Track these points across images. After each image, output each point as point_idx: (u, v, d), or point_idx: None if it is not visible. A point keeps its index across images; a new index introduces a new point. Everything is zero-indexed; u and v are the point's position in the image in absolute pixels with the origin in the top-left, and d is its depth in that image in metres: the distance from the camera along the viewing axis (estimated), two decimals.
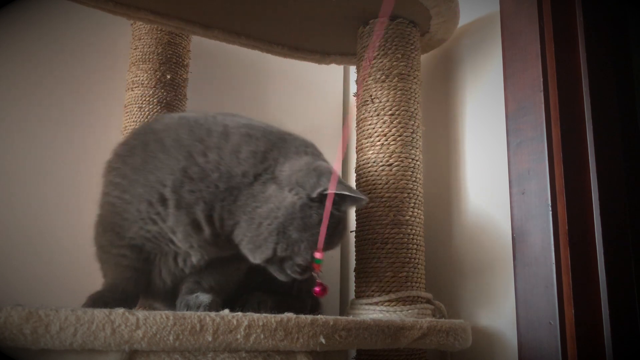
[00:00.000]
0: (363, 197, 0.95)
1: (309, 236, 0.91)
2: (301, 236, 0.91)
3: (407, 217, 1.15)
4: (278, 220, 0.90)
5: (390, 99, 1.21)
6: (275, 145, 0.96)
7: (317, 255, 0.92)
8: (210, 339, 0.72)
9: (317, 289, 0.97)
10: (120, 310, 0.69)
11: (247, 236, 0.93)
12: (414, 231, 1.16)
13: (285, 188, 0.92)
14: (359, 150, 1.25)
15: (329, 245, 0.94)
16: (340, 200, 0.94)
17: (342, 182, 0.93)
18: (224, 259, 1.03)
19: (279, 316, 0.79)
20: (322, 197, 0.91)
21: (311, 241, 0.91)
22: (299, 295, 1.14)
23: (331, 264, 1.65)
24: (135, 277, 0.99)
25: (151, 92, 1.40)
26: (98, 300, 0.93)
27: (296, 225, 0.91)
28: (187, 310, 0.92)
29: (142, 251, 0.99)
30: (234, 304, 0.96)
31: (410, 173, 1.18)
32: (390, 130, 1.20)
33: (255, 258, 0.94)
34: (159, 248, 0.99)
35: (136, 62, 1.43)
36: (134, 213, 0.95)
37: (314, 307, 1.17)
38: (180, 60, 1.46)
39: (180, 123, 0.98)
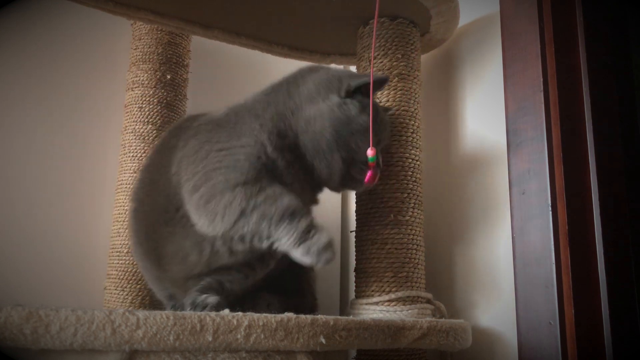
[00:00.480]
0: (384, 76, 1.05)
1: (358, 132, 0.98)
2: (353, 134, 0.97)
3: (407, 217, 1.15)
4: (328, 131, 0.98)
5: (390, 99, 1.21)
6: (292, 78, 1.09)
7: (369, 152, 0.97)
8: (210, 339, 0.72)
9: (369, 174, 1.00)
10: (120, 311, 0.69)
11: (321, 163, 1.00)
12: (414, 231, 1.16)
13: (319, 100, 1.00)
14: None
15: (381, 138, 1.04)
16: (367, 93, 1.00)
17: (361, 75, 1.04)
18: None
19: (279, 316, 0.79)
20: (352, 93, 1.00)
21: (364, 136, 0.98)
22: (302, 295, 1.14)
23: (331, 264, 1.65)
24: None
25: (151, 92, 1.40)
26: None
27: (344, 127, 0.97)
28: (192, 309, 0.92)
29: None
30: (242, 305, 0.93)
31: (411, 173, 1.18)
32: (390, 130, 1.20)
33: (333, 179, 1.01)
34: None
35: (136, 62, 1.43)
36: None
37: (313, 308, 1.17)
38: (180, 60, 1.46)
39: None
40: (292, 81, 1.08)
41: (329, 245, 0.89)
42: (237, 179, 0.92)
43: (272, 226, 0.90)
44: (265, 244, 0.93)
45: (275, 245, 0.92)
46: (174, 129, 1.14)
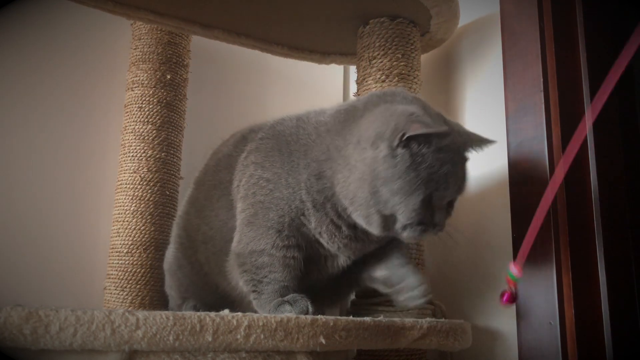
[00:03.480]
0: (444, 130, 0.84)
1: (401, 188, 0.83)
2: (394, 191, 0.84)
3: None
4: (367, 183, 0.86)
5: None
6: (350, 110, 0.95)
7: (512, 268, 0.87)
8: (210, 339, 0.72)
9: (504, 297, 0.91)
10: (120, 311, 0.69)
11: (356, 210, 0.89)
12: None
13: (367, 145, 0.87)
14: None
15: (453, 191, 0.88)
16: (428, 142, 0.84)
17: (423, 121, 0.84)
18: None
19: (278, 316, 0.79)
20: (407, 143, 0.83)
21: (406, 192, 0.83)
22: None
23: None
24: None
25: (151, 92, 1.40)
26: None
27: (384, 181, 0.84)
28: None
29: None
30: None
31: None
32: None
33: (373, 229, 0.89)
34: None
35: (136, 62, 1.43)
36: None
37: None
38: (180, 60, 1.46)
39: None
40: (352, 112, 0.95)
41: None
42: (271, 221, 0.95)
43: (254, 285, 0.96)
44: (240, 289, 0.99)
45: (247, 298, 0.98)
46: (237, 141, 1.13)
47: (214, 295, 1.09)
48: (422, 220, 0.86)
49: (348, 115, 0.94)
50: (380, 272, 0.99)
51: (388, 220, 0.87)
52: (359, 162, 0.87)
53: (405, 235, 0.88)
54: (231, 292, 1.04)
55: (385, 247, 1.01)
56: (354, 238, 0.95)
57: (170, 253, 1.20)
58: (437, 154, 0.84)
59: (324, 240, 0.95)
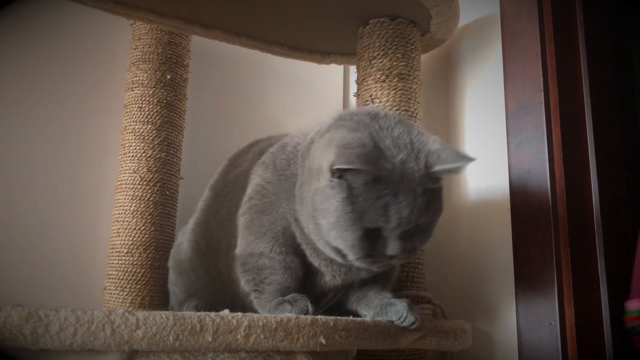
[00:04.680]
0: (365, 168, 0.78)
1: (337, 222, 0.80)
2: (331, 225, 0.81)
3: None
4: (310, 215, 0.85)
5: (390, 99, 1.21)
6: (317, 132, 0.92)
7: (629, 305, 0.84)
8: (210, 339, 0.72)
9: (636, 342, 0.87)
10: (120, 311, 0.69)
11: (314, 239, 0.89)
12: None
13: (313, 174, 0.85)
14: None
15: (402, 223, 0.80)
16: (359, 173, 0.79)
17: (353, 153, 0.78)
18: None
19: (278, 316, 0.79)
20: (341, 174, 0.80)
21: (342, 227, 0.80)
22: None
23: None
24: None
25: (151, 92, 1.40)
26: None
27: (322, 214, 0.82)
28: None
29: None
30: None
31: None
32: None
33: (334, 257, 0.88)
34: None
35: (136, 62, 1.43)
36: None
37: None
38: (180, 60, 1.46)
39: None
40: (317, 134, 0.92)
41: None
42: (264, 228, 0.96)
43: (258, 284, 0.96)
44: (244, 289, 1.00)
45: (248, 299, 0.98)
46: (254, 156, 1.13)
47: (228, 303, 1.09)
48: (369, 253, 0.82)
49: (314, 138, 0.92)
50: (363, 312, 0.97)
51: (342, 254, 0.84)
52: (308, 192, 0.86)
53: (359, 265, 0.85)
54: (244, 299, 1.04)
55: (365, 283, 0.99)
56: (331, 260, 0.92)
57: (182, 254, 1.21)
58: (374, 185, 0.79)
59: (307, 254, 0.95)
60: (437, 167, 0.83)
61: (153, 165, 1.36)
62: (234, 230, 1.04)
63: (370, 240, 0.81)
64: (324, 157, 0.82)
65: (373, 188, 0.79)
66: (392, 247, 0.82)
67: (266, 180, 0.99)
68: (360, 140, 0.81)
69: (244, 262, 0.98)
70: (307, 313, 0.88)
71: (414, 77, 1.25)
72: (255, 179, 1.01)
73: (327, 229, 0.82)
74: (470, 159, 0.84)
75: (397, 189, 0.80)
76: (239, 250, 0.99)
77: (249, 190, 1.01)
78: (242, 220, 0.99)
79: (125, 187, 1.35)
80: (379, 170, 0.79)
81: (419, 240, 0.86)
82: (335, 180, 0.80)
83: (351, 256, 0.83)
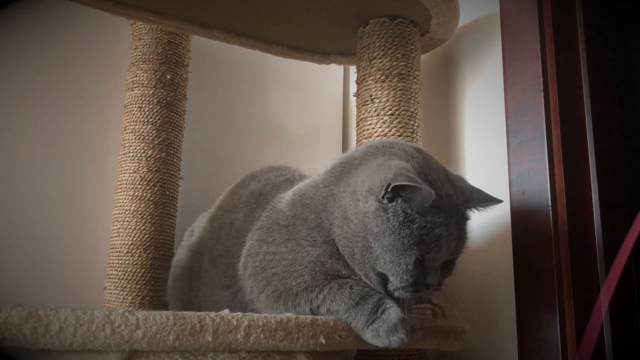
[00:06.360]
0: (426, 188, 0.78)
1: (393, 245, 0.79)
2: (385, 248, 0.80)
3: None
4: (361, 237, 0.82)
5: (390, 99, 1.21)
6: (346, 162, 0.92)
7: None
8: (210, 339, 0.72)
9: None
10: (120, 311, 0.69)
11: (355, 266, 0.86)
12: None
13: (360, 197, 0.83)
14: None
15: (447, 253, 0.83)
16: (413, 197, 0.80)
17: (411, 176, 0.79)
18: None
19: (279, 316, 0.79)
20: (394, 197, 0.80)
21: (399, 249, 0.79)
22: None
23: None
24: None
25: (151, 92, 1.40)
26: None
27: (375, 237, 0.81)
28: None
29: None
30: None
31: None
32: (390, 130, 1.20)
33: (374, 287, 0.86)
34: None
35: (136, 62, 1.43)
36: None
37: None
38: (180, 60, 1.46)
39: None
40: (349, 162, 0.92)
41: (397, 326, 0.81)
42: (299, 286, 0.88)
43: (343, 315, 0.86)
44: None
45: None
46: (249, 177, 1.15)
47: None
48: (416, 281, 0.82)
49: (344, 168, 0.92)
50: None
51: (384, 279, 0.83)
52: (354, 215, 0.84)
53: (397, 295, 0.84)
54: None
55: None
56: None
57: (178, 270, 1.21)
58: (429, 211, 0.81)
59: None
60: (473, 204, 0.89)
61: (153, 165, 1.36)
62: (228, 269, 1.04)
63: (419, 268, 0.82)
64: (376, 178, 0.81)
65: (428, 214, 0.80)
66: (433, 277, 0.83)
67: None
68: (415, 167, 0.84)
69: None
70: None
71: (414, 77, 1.25)
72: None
73: (380, 251, 0.81)
74: (499, 201, 0.92)
75: (448, 218, 0.82)
76: None
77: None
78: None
79: (125, 187, 1.35)
80: (428, 197, 0.79)
81: (447, 272, 0.88)
82: (386, 201, 0.80)
83: (398, 283, 0.82)
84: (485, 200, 0.91)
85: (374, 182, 0.82)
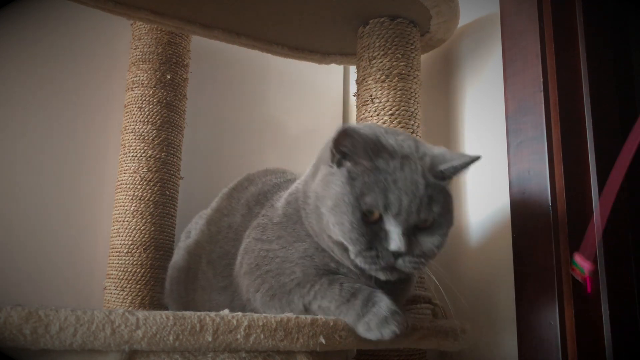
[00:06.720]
0: (361, 131, 0.78)
1: (336, 205, 0.79)
2: (329, 208, 0.80)
3: None
4: (314, 208, 0.85)
5: (390, 99, 1.21)
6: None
7: (576, 257, 0.87)
8: (210, 339, 0.72)
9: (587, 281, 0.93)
10: (120, 311, 0.69)
11: (321, 241, 0.87)
12: None
13: (315, 172, 0.87)
14: None
15: (403, 211, 0.77)
16: (356, 150, 0.79)
17: (350, 128, 0.78)
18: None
19: (278, 316, 0.79)
20: (341, 158, 0.81)
21: (341, 209, 0.78)
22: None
23: None
24: None
25: (151, 92, 1.40)
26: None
27: (322, 201, 0.82)
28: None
29: None
30: None
31: None
32: None
33: (342, 261, 0.86)
34: None
35: (136, 62, 1.43)
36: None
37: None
38: (180, 60, 1.46)
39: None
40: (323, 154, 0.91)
41: (388, 318, 0.78)
42: (291, 282, 0.88)
43: (334, 311, 0.84)
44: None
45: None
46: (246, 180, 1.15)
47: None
48: (370, 244, 0.78)
49: (319, 159, 0.91)
50: None
51: (345, 248, 0.80)
52: (311, 191, 0.86)
53: (361, 264, 0.80)
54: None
55: None
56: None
57: (175, 272, 1.21)
58: (374, 170, 0.78)
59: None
60: (443, 165, 0.82)
61: (153, 165, 1.36)
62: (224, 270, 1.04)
63: (372, 231, 0.78)
64: (327, 145, 0.83)
65: (373, 172, 0.78)
66: (395, 241, 0.77)
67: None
68: (364, 129, 0.82)
69: None
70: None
71: (414, 77, 1.25)
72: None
73: (327, 215, 0.81)
74: (475, 158, 0.84)
75: (397, 176, 0.78)
76: None
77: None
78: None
79: (125, 187, 1.35)
80: (379, 153, 0.79)
81: (425, 243, 0.81)
82: (335, 166, 0.82)
83: (352, 247, 0.79)
84: (457, 158, 0.83)
85: (324, 152, 0.85)
